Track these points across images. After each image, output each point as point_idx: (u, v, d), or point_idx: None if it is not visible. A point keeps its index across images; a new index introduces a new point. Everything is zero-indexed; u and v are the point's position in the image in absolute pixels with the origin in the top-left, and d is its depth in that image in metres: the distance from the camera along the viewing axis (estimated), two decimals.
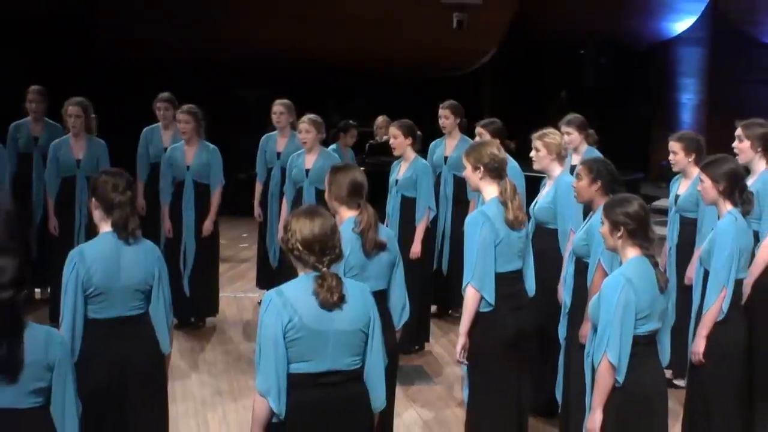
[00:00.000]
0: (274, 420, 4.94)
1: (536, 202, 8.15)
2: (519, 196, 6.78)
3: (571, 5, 17.53)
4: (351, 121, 12.57)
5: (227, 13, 16.33)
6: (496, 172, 6.72)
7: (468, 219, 6.83)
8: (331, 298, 4.93)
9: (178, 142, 10.66)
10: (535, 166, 8.22)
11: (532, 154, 8.12)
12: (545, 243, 7.80)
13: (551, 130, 8.26)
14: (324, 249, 4.98)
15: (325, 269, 4.97)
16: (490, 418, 6.79)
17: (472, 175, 6.78)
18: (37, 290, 11.16)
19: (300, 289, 4.97)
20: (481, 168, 6.71)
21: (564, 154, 8.23)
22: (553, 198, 8.04)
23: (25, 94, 11.12)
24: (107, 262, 5.80)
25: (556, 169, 8.09)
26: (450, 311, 11.09)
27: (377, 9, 16.55)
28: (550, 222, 8.04)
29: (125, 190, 5.88)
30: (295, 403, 4.92)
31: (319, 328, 4.92)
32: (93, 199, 5.94)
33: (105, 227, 5.90)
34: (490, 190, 6.73)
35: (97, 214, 5.94)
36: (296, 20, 16.44)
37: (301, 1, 16.48)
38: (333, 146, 11.40)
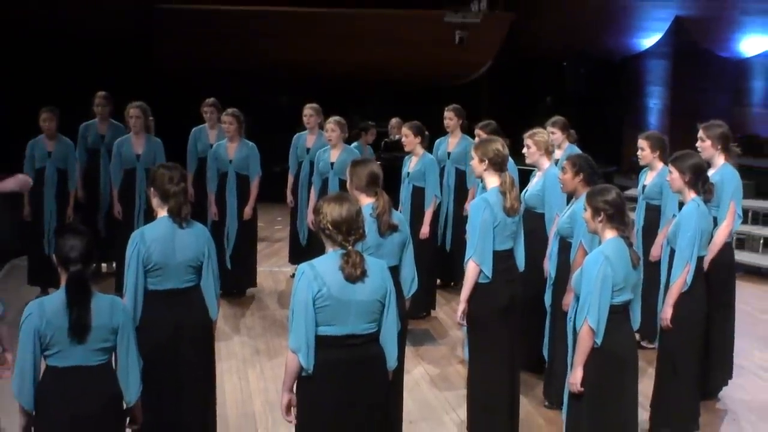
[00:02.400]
0: (303, 374, 4.96)
1: (527, 190, 8.13)
2: (516, 188, 6.77)
3: (556, 24, 17.49)
4: (371, 122, 12.55)
5: (264, 31, 16.33)
6: (498, 166, 6.71)
7: (472, 204, 6.83)
8: (355, 273, 4.93)
9: (222, 140, 10.66)
10: (527, 161, 8.23)
11: (524, 150, 8.13)
12: (534, 225, 7.79)
13: (540, 129, 8.27)
14: (350, 229, 4.97)
15: (350, 247, 4.97)
16: (487, 373, 6.77)
17: (477, 166, 6.76)
18: (104, 265, 11.18)
19: (329, 263, 4.96)
20: (486, 161, 6.69)
21: (551, 150, 8.22)
22: (541, 187, 8.04)
23: (93, 99, 11.14)
24: (164, 243, 5.78)
25: (545, 163, 8.09)
26: (452, 283, 11.05)
27: (391, 27, 16.55)
28: (538, 207, 8.03)
29: (179, 182, 5.86)
30: (322, 360, 4.92)
31: (343, 298, 4.92)
32: (152, 189, 5.92)
33: (162, 212, 5.88)
34: (491, 180, 6.71)
35: (155, 202, 5.92)
36: (322, 37, 16.43)
37: (326, 22, 16.48)
38: (355, 144, 11.38)
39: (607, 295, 5.60)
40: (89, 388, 4.80)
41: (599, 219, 5.75)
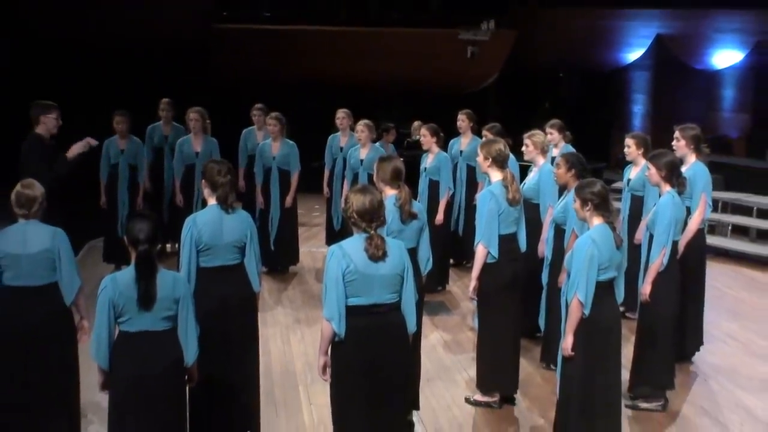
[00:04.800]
0: (336, 339, 4.97)
1: (524, 183, 8.12)
2: (516, 182, 6.77)
3: (553, 41, 17.43)
4: (391, 124, 12.53)
5: (304, 47, 16.33)
6: (500, 163, 6.71)
7: (479, 195, 6.86)
8: (377, 253, 4.94)
9: (267, 139, 10.68)
10: (525, 158, 8.22)
11: (523, 148, 8.12)
12: (530, 213, 7.74)
13: (537, 131, 8.25)
14: (372, 217, 4.98)
15: (373, 232, 4.97)
16: (493, 339, 6.79)
17: (483, 162, 6.77)
18: (168, 246, 11.22)
19: (355, 244, 4.98)
20: (490, 159, 6.70)
21: (546, 149, 8.20)
22: (537, 181, 8.02)
23: (159, 105, 11.19)
24: (213, 226, 5.78)
25: (540, 160, 8.07)
26: (464, 262, 11.04)
27: (413, 44, 16.52)
28: (534, 198, 8.01)
29: (226, 174, 5.84)
30: (352, 327, 4.94)
31: (367, 273, 4.94)
32: (203, 180, 5.93)
33: (211, 200, 5.88)
34: (495, 175, 6.72)
35: (206, 191, 5.92)
36: (353, 52, 16.43)
37: (357, 39, 16.45)
38: (379, 143, 11.38)
39: (593, 273, 5.59)
40: (155, 350, 4.84)
41: (587, 208, 5.74)
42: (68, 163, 7.50)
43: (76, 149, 7.56)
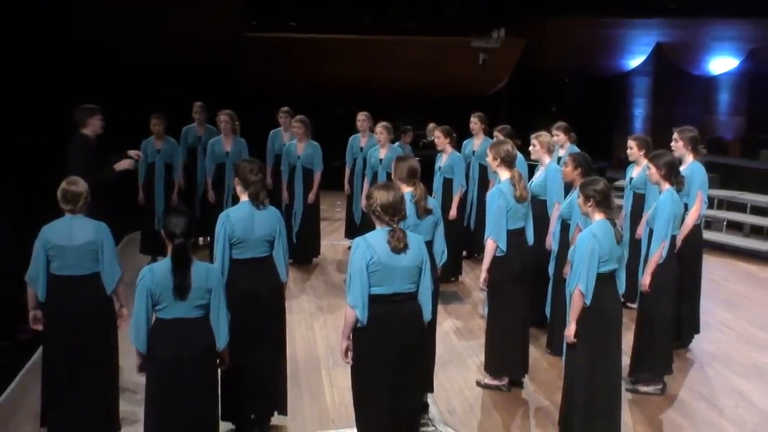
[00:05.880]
0: (359, 325, 4.99)
1: (532, 181, 8.12)
2: (523, 180, 6.77)
3: (559, 48, 17.38)
4: (409, 126, 12.53)
5: (326, 55, 16.34)
6: (508, 163, 6.72)
7: (489, 193, 6.87)
8: (399, 246, 4.97)
9: (293, 140, 10.70)
10: (532, 157, 8.23)
11: (530, 148, 8.12)
12: (538, 209, 7.75)
13: (543, 132, 8.27)
14: (395, 211, 5.01)
15: (395, 226, 4.99)
16: (501, 326, 6.80)
17: (492, 162, 6.79)
18: (200, 239, 11.26)
19: (378, 237, 5.00)
20: (499, 159, 6.71)
21: (551, 148, 8.21)
22: (544, 179, 8.02)
23: (192, 107, 11.23)
24: (245, 221, 5.81)
25: (547, 159, 8.08)
26: (476, 255, 11.04)
27: (428, 51, 16.50)
28: (542, 195, 8.01)
29: (257, 173, 5.88)
30: (373, 314, 4.96)
31: (389, 264, 4.96)
32: (236, 178, 5.96)
33: (243, 197, 5.90)
34: (503, 174, 6.73)
35: (238, 189, 5.95)
36: (372, 59, 16.42)
37: (375, 46, 16.44)
38: (397, 143, 11.38)
39: (594, 265, 5.58)
40: (189, 336, 4.88)
41: (590, 204, 5.74)
42: (115, 174, 7.57)
43: (124, 165, 7.63)
